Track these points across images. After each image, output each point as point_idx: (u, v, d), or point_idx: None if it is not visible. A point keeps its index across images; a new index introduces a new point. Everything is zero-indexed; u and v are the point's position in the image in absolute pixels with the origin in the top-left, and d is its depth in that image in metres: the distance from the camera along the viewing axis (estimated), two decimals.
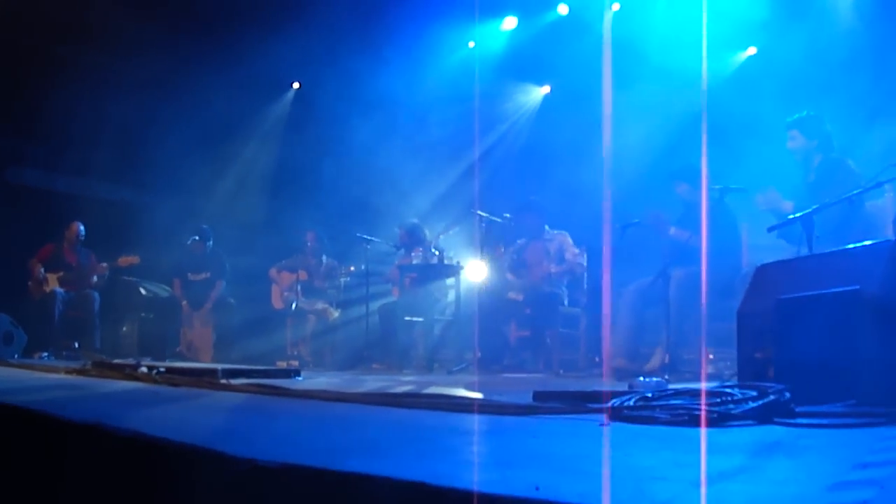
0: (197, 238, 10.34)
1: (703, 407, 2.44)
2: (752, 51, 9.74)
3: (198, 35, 10.26)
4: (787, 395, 2.61)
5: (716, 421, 2.40)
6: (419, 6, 10.11)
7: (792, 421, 2.48)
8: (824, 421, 2.45)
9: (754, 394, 2.59)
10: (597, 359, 7.92)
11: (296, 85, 12.40)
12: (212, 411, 3.16)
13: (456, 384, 5.09)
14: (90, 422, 1.98)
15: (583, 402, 3.06)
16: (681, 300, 6.62)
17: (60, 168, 10.84)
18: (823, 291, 3.08)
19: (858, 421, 2.45)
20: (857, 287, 2.94)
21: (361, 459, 1.66)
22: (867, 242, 3.42)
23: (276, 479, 1.47)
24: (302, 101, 12.31)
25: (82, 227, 10.05)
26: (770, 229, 5.38)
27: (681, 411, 2.48)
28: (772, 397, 2.55)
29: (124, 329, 10.45)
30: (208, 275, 10.34)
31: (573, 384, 5.07)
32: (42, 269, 9.80)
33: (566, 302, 8.21)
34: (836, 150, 6.52)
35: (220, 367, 5.44)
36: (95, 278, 9.93)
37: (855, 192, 5.33)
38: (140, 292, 10.61)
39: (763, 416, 2.46)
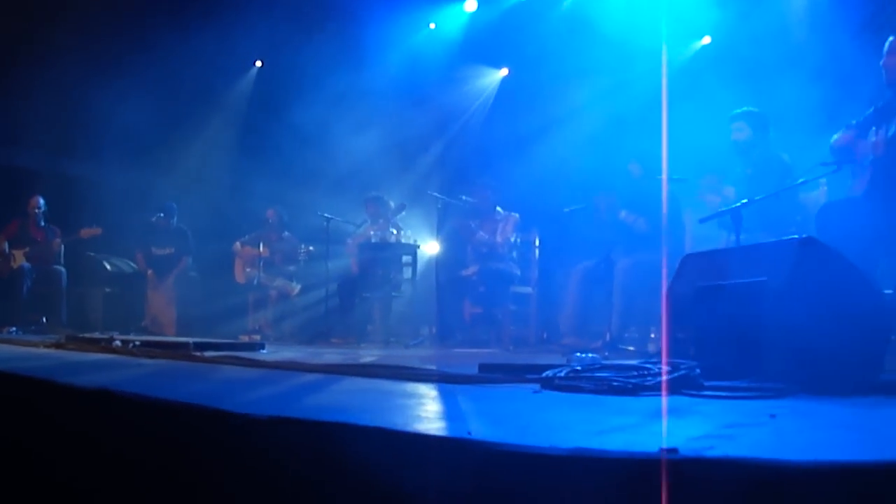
0: (162, 214, 10.58)
1: (619, 379, 2.88)
2: (706, 40, 9.89)
3: (160, 11, 10.37)
4: (697, 370, 3.04)
5: (630, 391, 2.82)
6: None
7: (696, 392, 2.90)
8: (722, 393, 2.87)
9: (669, 369, 3.00)
10: (545, 335, 8.34)
11: (258, 63, 12.56)
12: (196, 378, 3.53)
13: (411, 357, 5.48)
14: (100, 387, 2.34)
15: (522, 373, 3.47)
16: (625, 283, 7.06)
17: (22, 143, 10.96)
18: (736, 281, 3.51)
19: (750, 394, 2.87)
20: (765, 278, 3.36)
21: (332, 414, 2.03)
22: (784, 238, 3.84)
23: (268, 428, 1.86)
24: (264, 79, 12.49)
25: (42, 200, 10.21)
26: (701, 220, 5.81)
27: (601, 382, 2.90)
28: (682, 372, 2.97)
29: (90, 303, 10.66)
30: (172, 250, 10.57)
31: (519, 358, 5.48)
32: (7, 245, 10.02)
33: (518, 281, 8.63)
34: (774, 144, 6.94)
35: (191, 340, 5.76)
36: (60, 251, 10.16)
37: (786, 186, 5.82)
38: (105, 267, 10.83)
39: (673, 387, 2.88)
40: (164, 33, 10.20)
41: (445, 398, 2.76)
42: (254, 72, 12.69)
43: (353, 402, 2.68)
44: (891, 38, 5.17)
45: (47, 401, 2.53)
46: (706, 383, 3.02)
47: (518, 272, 8.62)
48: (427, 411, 2.33)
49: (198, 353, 4.91)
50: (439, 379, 3.41)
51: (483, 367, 3.81)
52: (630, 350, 6.80)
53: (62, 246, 10.22)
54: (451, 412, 2.33)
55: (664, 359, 3.31)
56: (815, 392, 2.98)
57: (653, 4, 8.85)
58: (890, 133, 5.05)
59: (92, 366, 4.09)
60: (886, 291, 4.70)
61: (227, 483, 1.94)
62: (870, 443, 1.96)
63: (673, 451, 1.43)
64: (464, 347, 7.90)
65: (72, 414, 2.44)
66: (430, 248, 9.37)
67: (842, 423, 2.34)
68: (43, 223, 10.24)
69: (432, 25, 11.58)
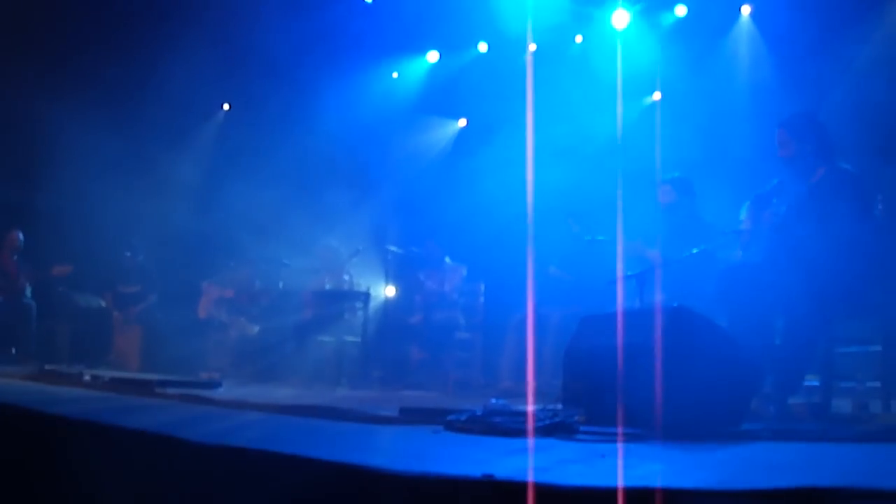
0: (128, 253, 11.06)
1: (506, 424, 3.51)
2: (657, 96, 10.21)
3: (130, 51, 10.77)
4: (574, 418, 3.67)
5: (513, 433, 3.45)
6: (349, 37, 10.95)
7: (568, 436, 3.53)
8: (587, 437, 3.50)
9: (550, 415, 3.63)
10: (485, 380, 8.91)
11: (226, 106, 12.94)
12: (160, 411, 4.11)
13: (353, 399, 6.07)
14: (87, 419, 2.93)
15: (433, 416, 4.08)
16: (556, 335, 7.68)
17: None
18: (617, 341, 4.16)
19: (609, 439, 3.50)
20: (640, 341, 4.01)
21: (272, 445, 2.64)
22: (662, 304, 4.49)
23: (221, 456, 2.46)
24: (230, 123, 12.86)
25: (21, 236, 10.70)
26: (608, 282, 6.45)
27: (490, 426, 3.53)
28: (559, 419, 3.60)
29: (58, 337, 11.08)
30: (139, 288, 11.06)
31: (444, 402, 6.08)
32: None
33: (462, 328, 9.23)
34: (699, 207, 7.59)
35: (154, 378, 6.30)
36: (29, 287, 10.60)
37: (705, 248, 6.49)
38: (73, 302, 11.27)
39: (549, 431, 3.50)
40: (136, 71, 10.72)
41: (360, 435, 3.38)
42: (221, 115, 13.08)
43: (286, 436, 3.30)
44: (777, 130, 5.85)
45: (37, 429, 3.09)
46: (583, 429, 3.64)
47: (462, 320, 9.22)
48: (346, 445, 2.95)
49: (160, 390, 5.47)
50: (364, 419, 4.03)
51: (403, 410, 4.43)
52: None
53: (27, 283, 10.62)
54: (360, 445, 2.94)
55: (549, 407, 3.93)
56: (674, 438, 3.60)
57: (607, 58, 9.45)
58: (780, 211, 5.72)
59: (76, 399, 4.64)
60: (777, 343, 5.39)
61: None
62: (651, 475, 2.59)
63: (489, 476, 2.05)
64: (409, 390, 8.39)
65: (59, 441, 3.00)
66: (380, 292, 9.92)
67: (652, 459, 2.97)
68: (16, 258, 10.67)
69: (395, 75, 12.07)
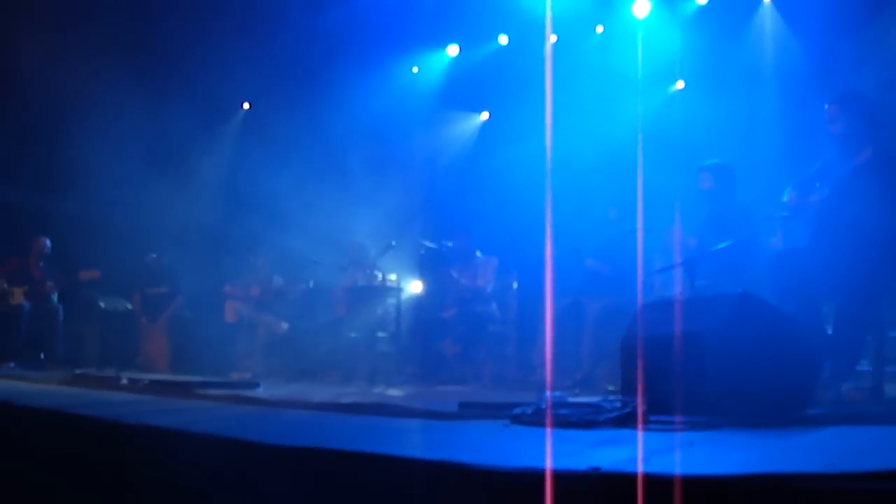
0: (154, 255, 11.01)
1: (576, 416, 3.41)
2: (680, 85, 10.20)
3: (153, 54, 10.81)
4: (644, 407, 3.56)
5: (583, 425, 3.35)
6: (368, 31, 10.82)
7: (637, 426, 3.43)
8: (658, 427, 3.40)
9: (619, 406, 3.53)
10: (522, 373, 8.81)
11: (246, 105, 12.92)
12: (214, 413, 4.02)
13: (396, 396, 5.97)
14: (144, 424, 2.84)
15: (496, 410, 3.99)
16: (595, 324, 7.60)
17: (18, 182, 11.25)
18: (680, 329, 4.05)
19: (684, 427, 3.40)
20: (702, 328, 3.90)
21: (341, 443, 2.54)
22: (725, 292, 4.39)
23: (294, 456, 2.36)
24: (252, 122, 12.82)
25: (48, 242, 10.64)
26: (658, 271, 6.35)
27: (560, 418, 3.43)
28: (629, 409, 3.50)
29: (85, 340, 11.06)
30: (166, 289, 11.00)
31: (495, 397, 5.99)
32: (6, 283, 10.36)
33: (497, 321, 9.14)
34: (739, 193, 7.47)
35: (193, 379, 6.21)
36: (56, 293, 10.56)
37: (742, 237, 6.37)
38: (100, 305, 11.24)
39: (620, 422, 3.40)
40: (156, 74, 10.66)
41: (429, 432, 3.28)
42: (241, 114, 13.05)
43: (348, 435, 3.21)
44: (826, 106, 5.73)
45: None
46: (652, 418, 3.54)
47: (497, 313, 9.12)
48: (415, 443, 2.85)
49: (202, 392, 5.38)
50: (424, 415, 3.93)
51: (462, 405, 4.33)
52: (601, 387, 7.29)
53: (55, 288, 10.55)
54: (436, 442, 2.85)
55: (616, 398, 3.83)
56: (743, 424, 3.51)
57: (629, 47, 9.35)
58: (824, 195, 5.60)
59: (121, 404, 4.56)
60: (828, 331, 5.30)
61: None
62: (766, 460, 2.50)
63: (595, 469, 1.95)
64: (445, 385, 8.33)
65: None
66: (411, 287, 9.84)
67: (742, 446, 2.87)
68: (42, 263, 10.62)
69: (415, 69, 12.02)
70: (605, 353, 7.62)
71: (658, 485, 1.86)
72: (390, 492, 2.15)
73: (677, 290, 6.04)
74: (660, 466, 2.14)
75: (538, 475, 1.96)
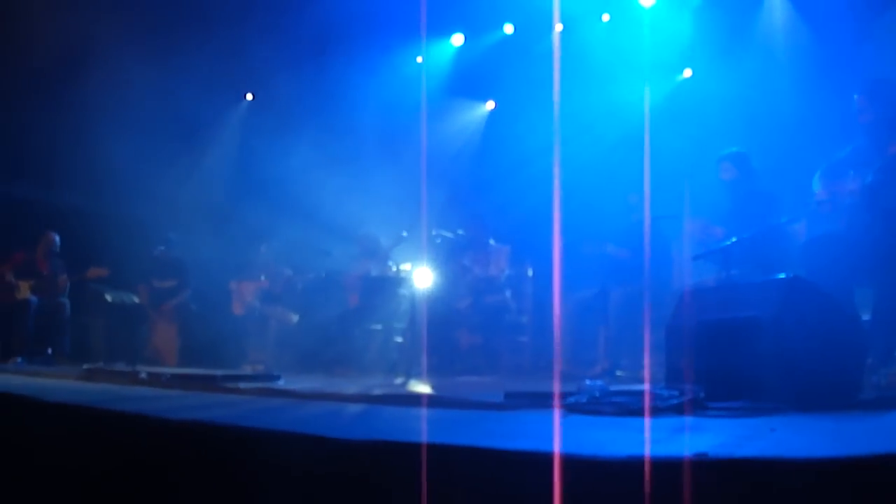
0: (163, 247, 10.87)
1: (639, 402, 3.30)
2: (687, 73, 10.16)
3: (153, 43, 10.53)
4: (701, 394, 3.46)
5: (642, 412, 3.24)
6: (372, 20, 10.70)
7: (703, 413, 3.33)
8: (724, 412, 3.30)
9: (676, 394, 3.42)
10: (541, 363, 8.71)
11: (249, 96, 12.83)
12: (254, 409, 3.90)
13: (421, 387, 5.86)
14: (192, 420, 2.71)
15: (540, 400, 3.88)
16: (618, 314, 7.50)
17: (25, 176, 11.05)
18: (732, 315, 3.95)
19: (749, 413, 3.30)
20: (756, 314, 3.80)
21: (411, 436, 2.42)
22: (773, 276, 4.29)
23: (362, 449, 2.24)
24: (257, 113, 12.70)
25: (57, 238, 10.50)
26: (694, 258, 6.26)
27: (620, 406, 3.32)
28: (689, 396, 3.39)
29: (92, 334, 10.92)
30: (174, 282, 10.86)
31: (527, 386, 5.88)
32: (13, 276, 10.23)
33: (513, 311, 9.03)
34: (761, 180, 7.37)
35: (216, 372, 6.08)
36: (66, 287, 10.42)
37: (771, 225, 6.28)
38: (106, 299, 11.10)
39: (682, 409, 3.30)
40: (158, 65, 10.45)
41: (478, 423, 3.16)
42: (245, 104, 12.94)
43: (401, 424, 3.08)
44: (855, 97, 5.65)
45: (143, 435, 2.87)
46: (710, 405, 3.44)
47: (512, 302, 9.01)
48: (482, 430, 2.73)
49: (229, 385, 5.24)
50: (470, 406, 3.81)
51: (509, 395, 4.21)
52: (619, 376, 7.20)
53: (68, 283, 10.44)
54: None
55: (669, 385, 3.73)
56: (803, 409, 3.42)
57: (635, 35, 9.25)
58: (867, 181, 5.50)
59: (151, 399, 4.43)
60: (864, 318, 5.19)
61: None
62: (856, 443, 2.40)
63: (703, 454, 1.84)
64: (463, 376, 8.23)
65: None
66: (424, 278, 9.71)
67: (831, 431, 2.77)
68: (51, 259, 10.48)
69: (419, 59, 11.87)
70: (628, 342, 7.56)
71: (767, 470, 1.75)
72: (507, 485, 2.04)
73: (714, 277, 5.93)
74: (758, 450, 2.04)
75: (639, 463, 1.85)
